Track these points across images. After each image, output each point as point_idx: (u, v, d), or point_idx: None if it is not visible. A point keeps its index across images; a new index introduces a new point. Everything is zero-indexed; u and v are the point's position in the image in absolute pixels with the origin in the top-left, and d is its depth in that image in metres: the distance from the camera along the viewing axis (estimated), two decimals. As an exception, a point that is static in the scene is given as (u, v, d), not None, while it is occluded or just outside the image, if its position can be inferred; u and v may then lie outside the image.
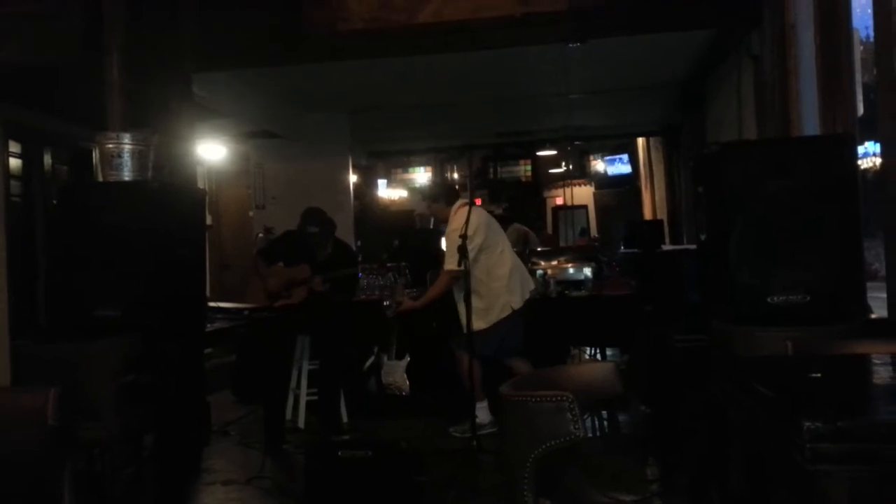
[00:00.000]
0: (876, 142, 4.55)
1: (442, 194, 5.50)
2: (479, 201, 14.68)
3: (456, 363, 5.21)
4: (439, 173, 15.34)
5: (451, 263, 5.04)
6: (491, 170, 14.78)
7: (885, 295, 3.51)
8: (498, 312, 5.10)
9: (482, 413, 5.09)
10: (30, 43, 5.10)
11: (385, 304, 6.01)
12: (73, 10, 4.98)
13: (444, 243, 5.41)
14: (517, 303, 5.14)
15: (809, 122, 4.50)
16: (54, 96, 6.05)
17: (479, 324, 5.04)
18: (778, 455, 1.82)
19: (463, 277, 4.94)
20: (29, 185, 6.55)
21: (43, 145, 6.78)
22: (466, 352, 5.05)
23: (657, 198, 11.89)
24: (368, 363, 6.46)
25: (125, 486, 3.61)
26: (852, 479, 1.56)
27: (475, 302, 5.00)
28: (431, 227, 13.50)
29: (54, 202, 5.42)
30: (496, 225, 5.41)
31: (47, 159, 6.84)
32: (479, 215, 5.26)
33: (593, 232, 14.78)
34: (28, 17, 5.00)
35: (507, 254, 5.25)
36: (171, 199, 4.37)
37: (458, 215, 5.19)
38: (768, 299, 3.22)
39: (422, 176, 15.54)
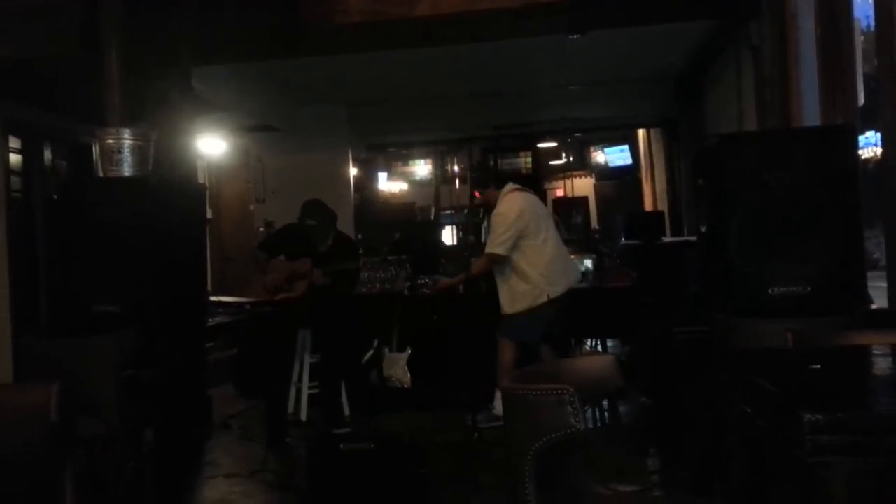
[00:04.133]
0: (877, 131, 4.54)
1: (490, 179, 5.51)
2: (477, 193, 14.70)
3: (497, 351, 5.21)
4: (440, 165, 15.29)
5: (493, 246, 5.09)
6: (491, 162, 14.73)
7: (885, 284, 3.52)
8: (532, 300, 5.08)
9: (500, 403, 5.10)
10: (29, 40, 5.09)
11: (420, 281, 6.02)
12: (72, 7, 4.96)
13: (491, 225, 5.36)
14: (554, 292, 5.10)
15: (810, 112, 4.49)
16: (54, 92, 6.05)
17: (510, 308, 5.11)
18: (778, 447, 1.83)
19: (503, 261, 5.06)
20: (29, 180, 6.55)
21: (43, 141, 6.78)
22: (504, 337, 5.12)
23: (658, 189, 11.87)
24: (368, 356, 6.47)
25: (126, 482, 3.62)
26: (852, 471, 1.57)
27: (510, 286, 5.08)
28: (432, 218, 13.54)
29: (54, 198, 5.42)
30: (543, 211, 5.40)
31: (47, 155, 6.84)
32: (526, 200, 5.27)
33: (594, 223, 14.75)
34: (27, 14, 4.99)
35: (550, 242, 5.22)
36: (171, 194, 4.37)
37: (506, 199, 5.20)
38: (769, 291, 3.21)
39: (422, 168, 15.50)
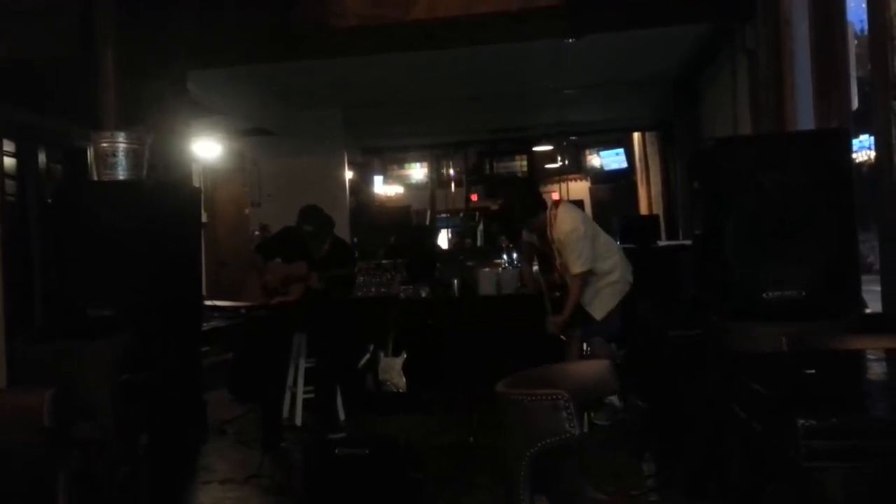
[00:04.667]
0: (870, 135, 4.55)
1: (533, 206, 5.34)
2: (475, 197, 14.72)
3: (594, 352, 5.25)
4: (435, 169, 15.30)
5: (580, 266, 5.03)
6: (487, 165, 14.74)
7: (879, 288, 3.52)
8: (619, 293, 5.17)
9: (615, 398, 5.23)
10: (29, 40, 5.07)
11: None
12: (72, 7, 4.95)
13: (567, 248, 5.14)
14: (631, 276, 5.23)
15: (804, 116, 4.50)
16: (49, 95, 6.03)
17: (605, 310, 5.15)
18: (774, 451, 1.83)
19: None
20: (24, 184, 6.54)
21: (37, 144, 6.77)
22: (600, 338, 5.20)
23: (653, 193, 11.88)
24: (364, 360, 6.47)
25: (121, 486, 3.61)
26: (847, 475, 1.57)
27: (597, 291, 5.13)
28: (427, 223, 13.54)
29: (49, 201, 5.41)
30: (584, 212, 5.45)
31: (42, 158, 6.82)
32: (573, 207, 5.37)
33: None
34: (22, 16, 4.97)
35: (604, 235, 5.33)
36: (166, 197, 4.36)
37: (563, 216, 5.18)
38: (763, 294, 3.22)
39: (418, 172, 15.51)
